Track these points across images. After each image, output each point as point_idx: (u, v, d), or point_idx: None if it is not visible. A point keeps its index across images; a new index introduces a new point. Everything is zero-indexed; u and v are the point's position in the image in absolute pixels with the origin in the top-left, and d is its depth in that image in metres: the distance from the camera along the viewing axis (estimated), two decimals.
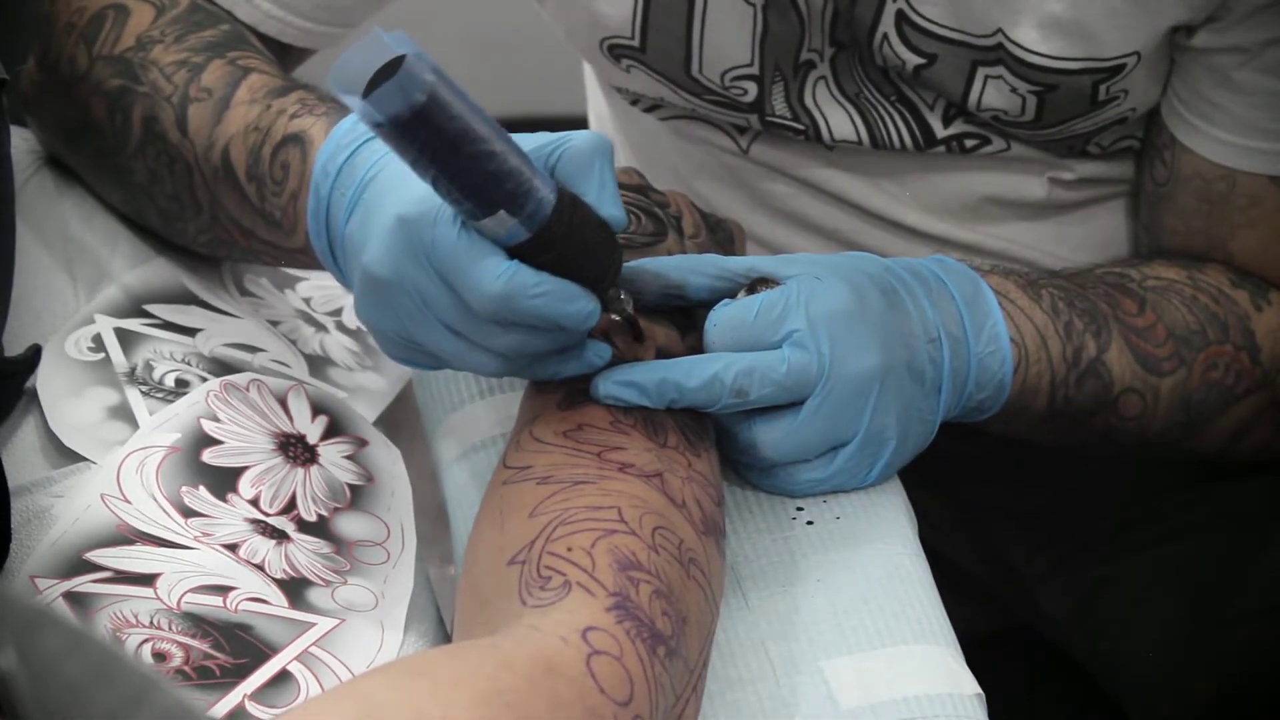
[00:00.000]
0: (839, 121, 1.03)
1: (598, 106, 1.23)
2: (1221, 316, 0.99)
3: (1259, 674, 1.08)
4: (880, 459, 0.86)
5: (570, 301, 0.76)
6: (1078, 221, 1.10)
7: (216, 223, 0.93)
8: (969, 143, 1.03)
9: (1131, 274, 1.00)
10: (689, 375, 0.82)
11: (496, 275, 0.74)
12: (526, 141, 0.76)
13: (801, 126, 1.03)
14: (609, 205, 0.78)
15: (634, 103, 1.10)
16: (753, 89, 1.01)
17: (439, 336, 0.78)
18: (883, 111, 1.02)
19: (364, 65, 0.69)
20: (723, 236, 0.93)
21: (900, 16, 0.96)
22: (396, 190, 0.77)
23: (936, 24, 0.96)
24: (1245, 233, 1.02)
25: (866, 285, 0.85)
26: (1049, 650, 1.22)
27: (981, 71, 0.97)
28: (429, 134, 0.70)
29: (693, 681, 0.75)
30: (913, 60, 0.97)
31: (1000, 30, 0.95)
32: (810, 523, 0.87)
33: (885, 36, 0.97)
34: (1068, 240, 1.10)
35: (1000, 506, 1.21)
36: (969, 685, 0.81)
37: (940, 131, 1.02)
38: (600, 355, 0.82)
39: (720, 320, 0.84)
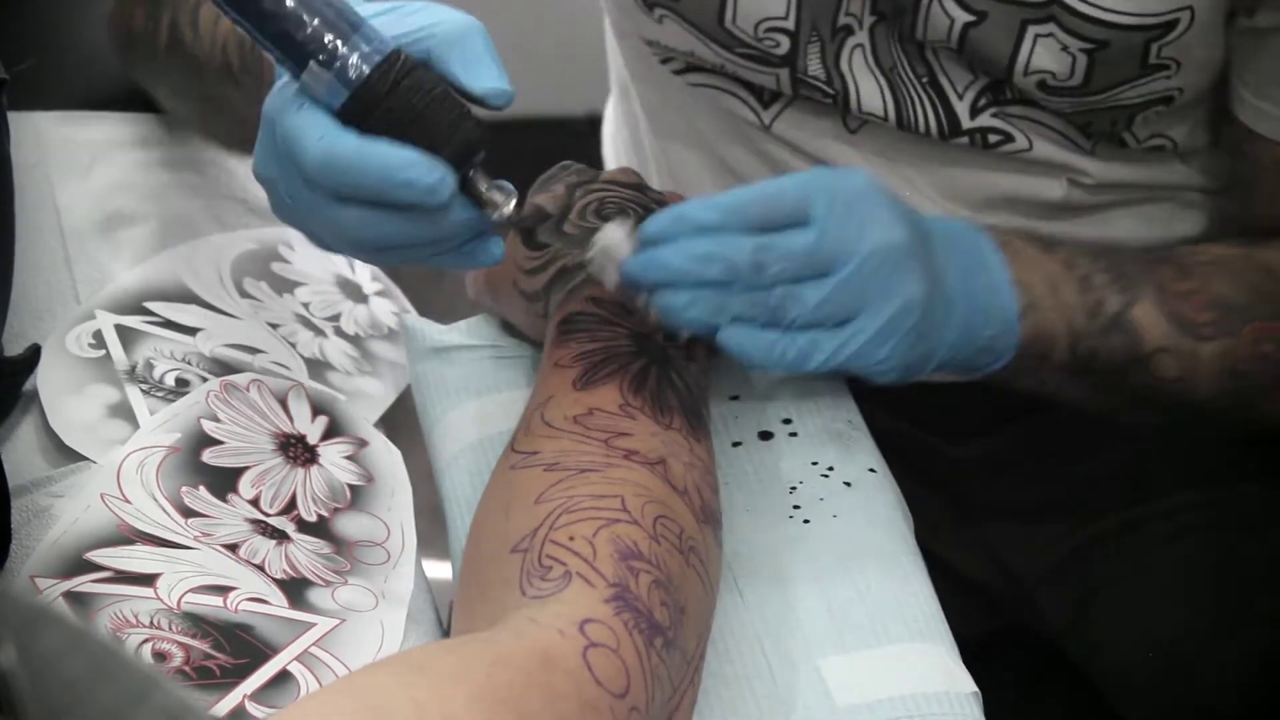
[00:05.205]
0: (869, 92, 1.02)
1: (621, 79, 1.22)
2: (1278, 296, 0.98)
3: (1257, 680, 1.08)
4: (894, 336, 0.84)
5: (406, 168, 0.74)
6: (1093, 225, 1.09)
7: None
8: (992, 138, 1.02)
9: (1181, 250, 0.99)
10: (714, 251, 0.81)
11: (318, 136, 0.74)
12: (397, 26, 0.76)
13: (832, 91, 1.02)
14: (479, 79, 0.76)
15: (664, 61, 1.09)
16: (785, 42, 1.01)
17: (308, 222, 0.78)
18: (913, 91, 1.01)
19: None
20: None
21: None
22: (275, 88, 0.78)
23: None
24: None
25: (888, 189, 0.85)
26: (1046, 650, 1.22)
27: (1031, 30, 0.95)
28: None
29: (689, 673, 0.75)
30: (962, 18, 0.96)
31: None
32: (807, 521, 0.87)
33: None
34: (1078, 238, 1.08)
35: (999, 509, 1.21)
36: (965, 684, 0.82)
37: (966, 122, 1.02)
38: (490, 253, 0.80)
39: (744, 195, 0.83)
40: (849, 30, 0.99)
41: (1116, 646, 1.13)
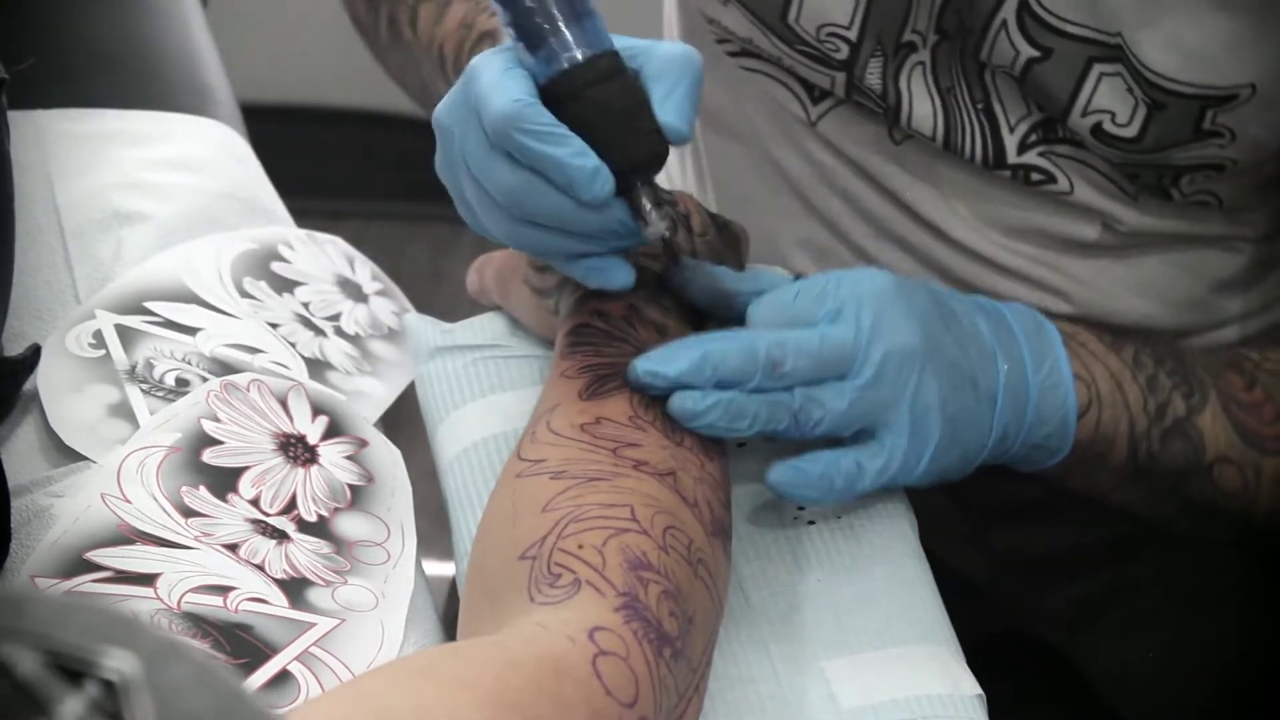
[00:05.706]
0: (922, 111, 1.00)
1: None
2: None
3: (1257, 685, 1.08)
4: (927, 449, 0.85)
5: (577, 155, 0.77)
6: (1124, 266, 1.07)
7: None
8: (1035, 177, 1.01)
9: (1249, 354, 0.98)
10: (727, 348, 0.82)
11: (513, 98, 0.77)
12: (627, 39, 0.80)
13: (885, 105, 1.01)
14: (669, 112, 0.79)
15: (720, 41, 1.09)
16: (845, 49, 1.00)
17: (461, 178, 0.81)
18: (966, 116, 1.00)
19: None
20: (729, 238, 0.93)
21: (1023, 5, 0.94)
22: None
23: (1059, 17, 0.93)
24: None
25: (916, 287, 0.85)
26: (1049, 652, 1.22)
27: (1097, 69, 0.94)
28: None
29: (695, 681, 0.75)
30: (1027, 52, 0.95)
31: (1121, 35, 0.93)
32: (812, 522, 0.87)
33: (1004, 24, 0.94)
34: (1107, 275, 1.07)
35: (1001, 511, 1.20)
36: (970, 686, 0.82)
37: (1011, 157, 1.00)
38: (622, 276, 0.83)
39: (763, 303, 0.84)
40: (912, 47, 0.99)
41: (1116, 648, 1.13)
